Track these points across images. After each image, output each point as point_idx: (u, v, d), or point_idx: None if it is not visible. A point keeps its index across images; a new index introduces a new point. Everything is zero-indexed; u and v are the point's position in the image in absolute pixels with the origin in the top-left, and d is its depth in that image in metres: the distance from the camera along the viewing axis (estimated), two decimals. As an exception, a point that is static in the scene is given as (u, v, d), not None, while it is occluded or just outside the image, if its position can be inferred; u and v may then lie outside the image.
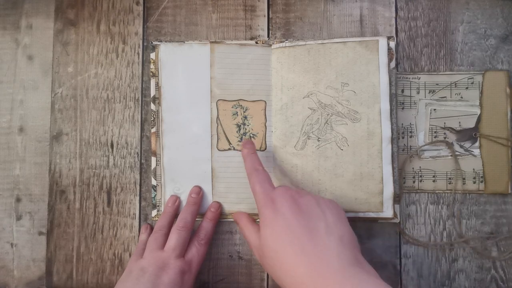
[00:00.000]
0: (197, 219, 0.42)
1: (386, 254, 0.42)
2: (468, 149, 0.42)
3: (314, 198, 0.34)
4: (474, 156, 0.42)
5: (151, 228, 0.42)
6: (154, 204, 0.43)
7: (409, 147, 0.43)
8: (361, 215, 0.41)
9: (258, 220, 0.40)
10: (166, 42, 0.45)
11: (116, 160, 0.44)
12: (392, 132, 0.41)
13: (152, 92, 0.44)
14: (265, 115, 0.43)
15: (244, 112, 0.43)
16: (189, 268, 0.38)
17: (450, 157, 0.42)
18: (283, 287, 0.32)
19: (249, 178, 0.38)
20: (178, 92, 0.43)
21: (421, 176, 0.42)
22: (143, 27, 0.45)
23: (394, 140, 0.41)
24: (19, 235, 0.45)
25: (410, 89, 0.43)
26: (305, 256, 0.30)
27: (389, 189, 0.40)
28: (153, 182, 0.43)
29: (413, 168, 0.43)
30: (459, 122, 0.43)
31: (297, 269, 0.30)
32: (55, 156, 0.45)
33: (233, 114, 0.43)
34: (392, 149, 0.40)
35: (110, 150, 0.44)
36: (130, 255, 0.43)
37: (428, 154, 0.43)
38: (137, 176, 0.44)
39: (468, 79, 0.43)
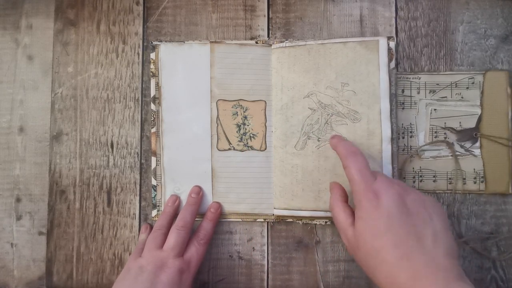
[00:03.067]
0: (197, 219, 0.42)
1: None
2: (469, 149, 0.42)
3: (421, 198, 0.32)
4: (475, 156, 0.42)
5: (151, 228, 0.42)
6: (154, 204, 0.43)
7: (409, 147, 0.43)
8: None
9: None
10: (166, 42, 0.45)
11: (116, 160, 0.44)
12: (392, 132, 0.41)
13: (152, 92, 0.44)
14: (265, 115, 0.43)
15: (244, 112, 0.43)
16: (187, 268, 0.38)
17: (450, 157, 0.42)
18: (374, 280, 0.31)
19: (345, 162, 0.34)
20: (178, 92, 0.43)
21: (421, 176, 0.42)
22: (143, 27, 0.45)
23: (394, 140, 0.41)
24: (19, 235, 0.45)
25: (411, 89, 0.43)
26: (409, 262, 0.29)
27: (389, 189, 0.40)
28: (153, 182, 0.43)
29: (413, 168, 0.43)
30: (460, 122, 0.42)
31: (397, 273, 0.29)
32: (55, 156, 0.45)
33: (233, 114, 0.43)
34: (392, 149, 0.40)
35: (110, 150, 0.44)
36: (130, 255, 0.43)
37: (429, 154, 0.43)
38: (137, 176, 0.44)
39: (468, 79, 0.43)
